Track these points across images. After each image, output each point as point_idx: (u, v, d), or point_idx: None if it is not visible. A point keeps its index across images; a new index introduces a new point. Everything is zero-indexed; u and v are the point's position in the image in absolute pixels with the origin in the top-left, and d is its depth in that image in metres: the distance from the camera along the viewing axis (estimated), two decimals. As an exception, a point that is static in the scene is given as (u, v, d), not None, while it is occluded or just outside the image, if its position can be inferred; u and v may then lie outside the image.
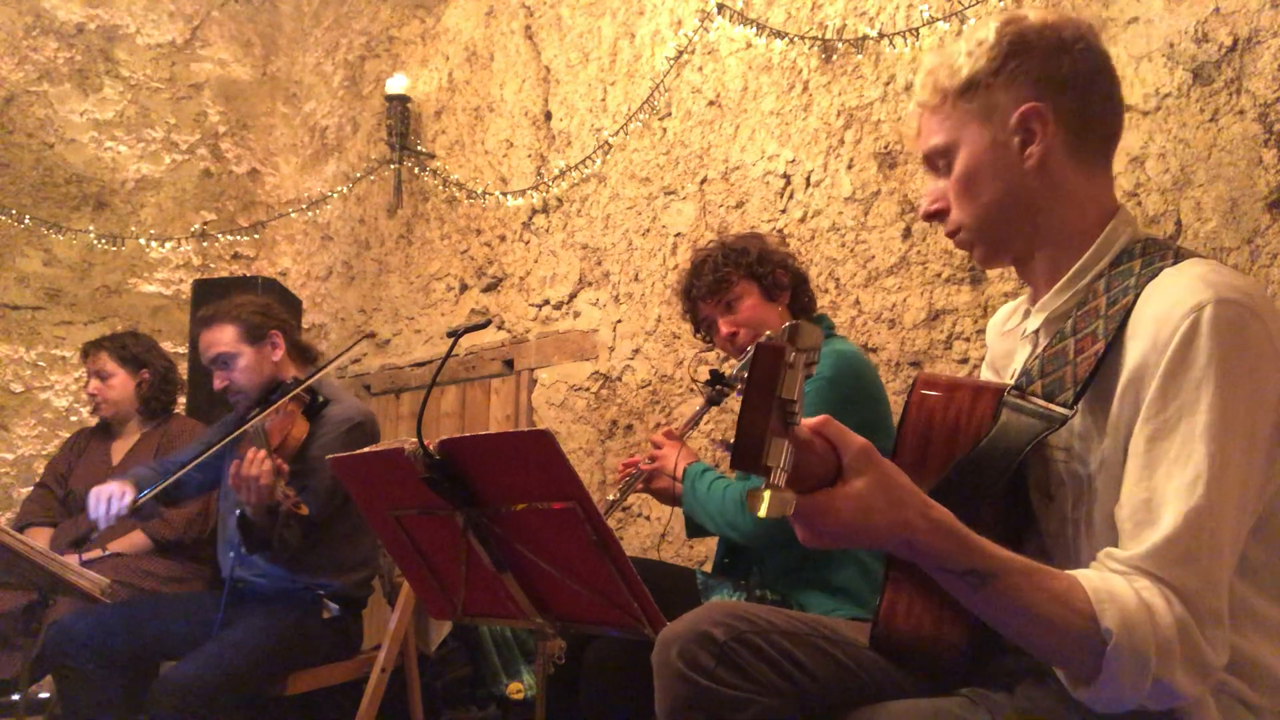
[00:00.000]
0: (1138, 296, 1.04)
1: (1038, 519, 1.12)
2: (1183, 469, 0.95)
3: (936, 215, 1.22)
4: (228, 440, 2.46)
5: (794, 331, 0.93)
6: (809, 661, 1.16)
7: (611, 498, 2.20)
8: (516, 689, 2.90)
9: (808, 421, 0.95)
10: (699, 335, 2.24)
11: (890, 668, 1.19)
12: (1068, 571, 0.98)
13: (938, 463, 1.10)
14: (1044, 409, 1.07)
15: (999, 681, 1.11)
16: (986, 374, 1.37)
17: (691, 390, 3.14)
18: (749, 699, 1.10)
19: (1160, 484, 0.96)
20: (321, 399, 2.50)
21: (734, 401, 2.96)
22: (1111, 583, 0.94)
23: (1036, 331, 1.19)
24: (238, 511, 2.33)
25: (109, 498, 2.39)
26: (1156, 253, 1.09)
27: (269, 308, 2.72)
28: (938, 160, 1.19)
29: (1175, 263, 1.06)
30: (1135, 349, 1.02)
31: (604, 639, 1.87)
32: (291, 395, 2.45)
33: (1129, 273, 1.09)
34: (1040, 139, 1.13)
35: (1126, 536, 0.98)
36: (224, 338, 2.59)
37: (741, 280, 2.09)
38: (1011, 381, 1.17)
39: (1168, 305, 1.00)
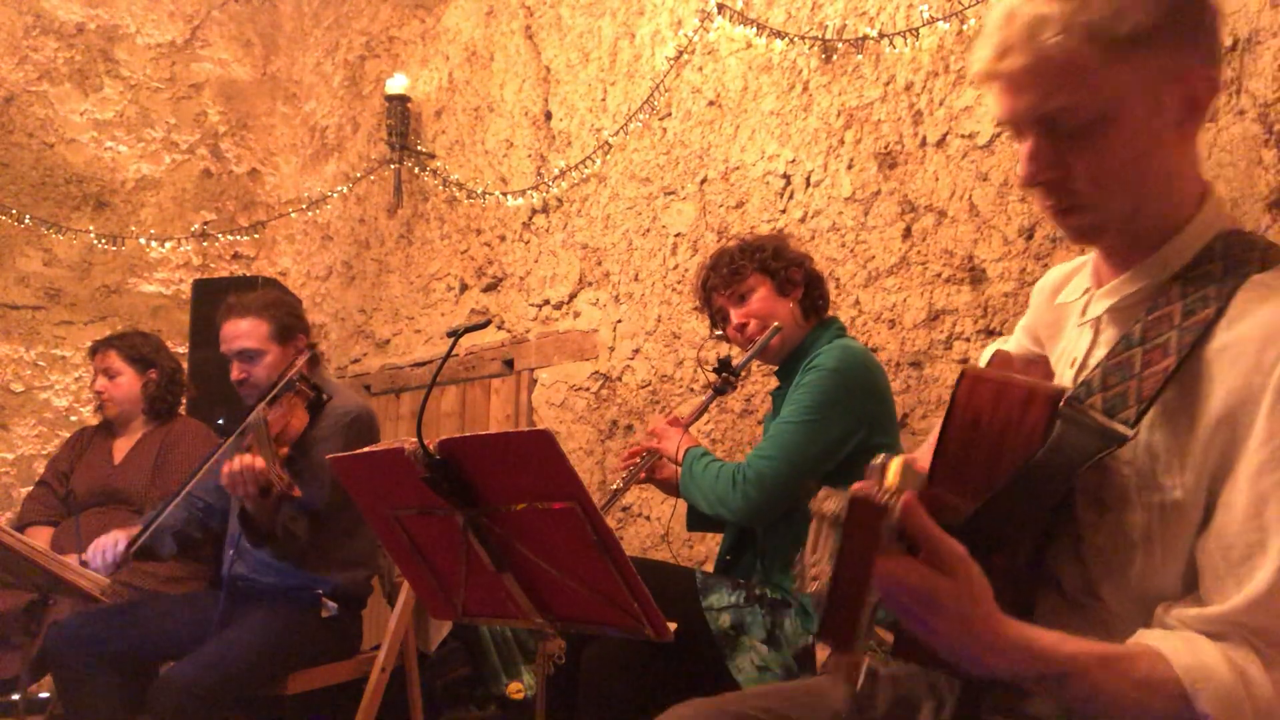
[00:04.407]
0: (1221, 310, 0.95)
1: (1080, 527, 1.02)
2: None
3: (1044, 184, 1.02)
4: (225, 445, 2.45)
5: (906, 472, 0.78)
6: None
7: (615, 487, 2.20)
8: (516, 689, 2.90)
9: (902, 501, 0.88)
10: (714, 328, 2.27)
11: None
12: (1148, 642, 0.92)
13: (981, 469, 1.03)
14: (1103, 426, 0.96)
15: None
16: (1021, 338, 1.29)
17: (692, 389, 3.14)
18: None
19: (1271, 524, 0.88)
20: (326, 396, 2.51)
21: (733, 401, 2.97)
22: (1201, 654, 0.88)
23: (1097, 320, 1.08)
24: (239, 507, 2.33)
25: (103, 550, 2.38)
26: (1241, 254, 0.99)
27: (299, 310, 2.75)
28: (1064, 123, 0.97)
29: (1264, 268, 0.97)
30: (1230, 374, 0.92)
31: (604, 639, 1.87)
32: (279, 390, 2.46)
33: (1209, 278, 0.98)
34: (1203, 112, 0.98)
35: (1221, 576, 0.91)
36: (256, 333, 2.59)
37: (755, 273, 2.14)
38: (1067, 370, 1.11)
39: (1270, 325, 0.91)
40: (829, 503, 0.79)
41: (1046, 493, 0.97)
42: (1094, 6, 0.93)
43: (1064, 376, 1.12)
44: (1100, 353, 1.05)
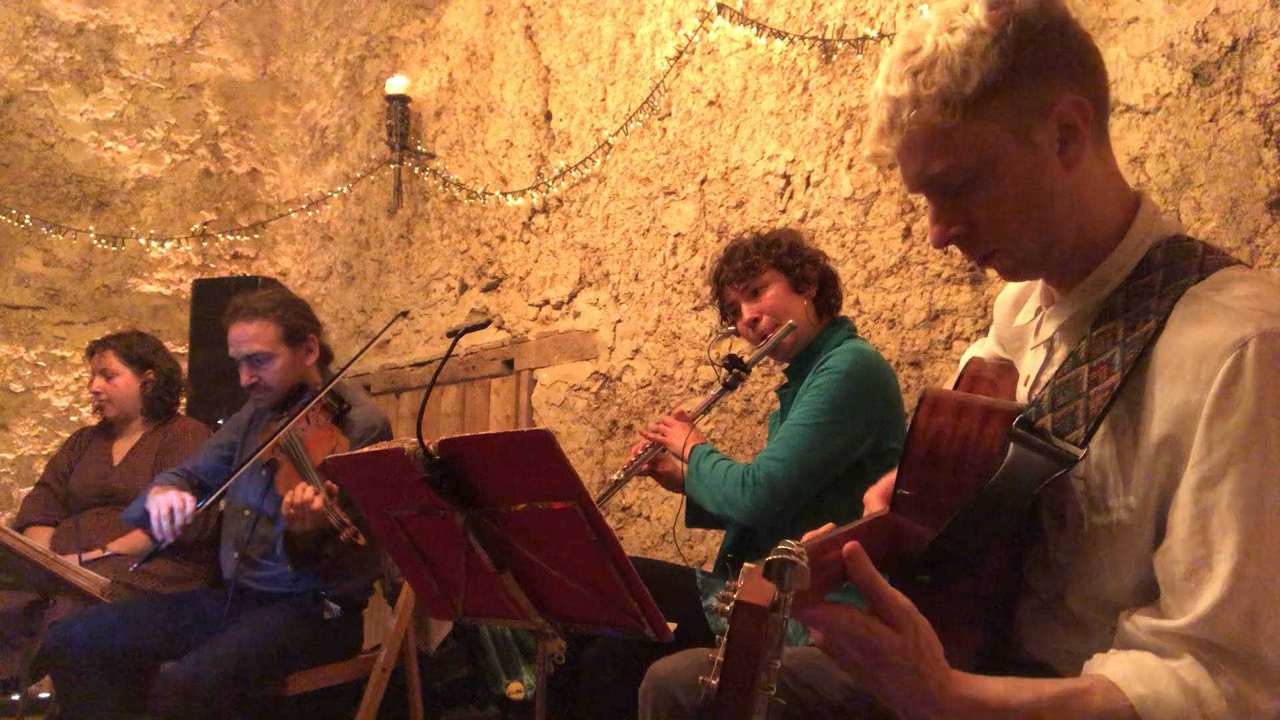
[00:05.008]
0: (1162, 324, 0.96)
1: (1047, 539, 1.05)
2: (1236, 522, 0.89)
3: (955, 239, 1.08)
4: (263, 449, 2.41)
5: (783, 571, 0.77)
6: None
7: (615, 477, 2.19)
8: (516, 689, 2.90)
9: (845, 550, 0.89)
10: (723, 322, 2.26)
11: None
12: (1101, 672, 0.93)
13: (944, 488, 1.05)
14: (1054, 448, 0.98)
15: None
16: (992, 346, 1.32)
17: (692, 389, 3.14)
18: None
19: (1215, 539, 0.90)
20: (345, 404, 2.48)
21: (733, 400, 2.97)
22: (1153, 680, 0.90)
23: (1050, 339, 1.11)
24: (280, 531, 2.29)
25: (170, 510, 2.33)
26: (1180, 263, 1.00)
27: (308, 310, 2.70)
28: (951, 182, 1.03)
29: (1202, 277, 0.98)
30: (1171, 392, 0.93)
31: (604, 639, 1.87)
32: (316, 402, 2.41)
33: (1149, 290, 1.00)
34: (1083, 135, 1.01)
35: (1169, 592, 0.93)
36: (264, 335, 2.55)
37: (769, 269, 2.12)
38: (1023, 389, 1.13)
39: (1206, 341, 0.92)
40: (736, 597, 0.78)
41: (1005, 516, 0.99)
42: (937, 78, 0.98)
43: (1022, 396, 1.15)
44: (1052, 371, 1.07)
